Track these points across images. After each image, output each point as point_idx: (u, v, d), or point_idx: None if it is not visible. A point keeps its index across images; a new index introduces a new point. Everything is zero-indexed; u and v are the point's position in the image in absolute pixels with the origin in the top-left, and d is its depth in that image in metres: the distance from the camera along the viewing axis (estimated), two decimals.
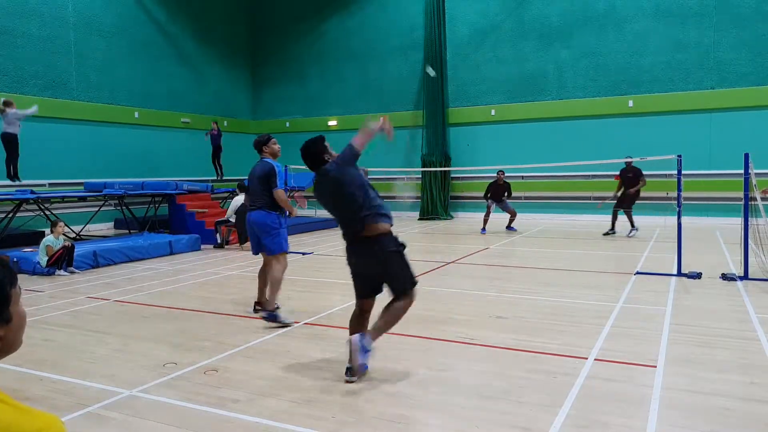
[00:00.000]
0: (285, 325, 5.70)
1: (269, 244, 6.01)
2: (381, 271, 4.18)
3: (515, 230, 14.08)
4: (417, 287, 4.28)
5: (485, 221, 14.07)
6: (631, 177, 12.78)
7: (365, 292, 4.31)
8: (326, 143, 4.37)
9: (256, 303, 6.39)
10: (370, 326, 4.26)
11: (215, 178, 17.44)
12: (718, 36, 15.28)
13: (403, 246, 4.22)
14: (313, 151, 4.28)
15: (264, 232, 5.99)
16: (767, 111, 14.87)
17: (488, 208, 14.09)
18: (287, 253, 6.13)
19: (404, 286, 4.18)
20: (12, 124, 11.59)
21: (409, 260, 4.27)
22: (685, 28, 15.62)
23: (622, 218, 13.10)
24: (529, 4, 17.41)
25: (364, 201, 4.10)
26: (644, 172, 12.69)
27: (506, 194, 14.10)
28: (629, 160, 12.59)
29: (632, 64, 16.22)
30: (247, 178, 6.57)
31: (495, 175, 14.05)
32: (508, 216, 14.25)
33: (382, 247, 4.10)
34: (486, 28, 18.05)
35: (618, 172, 13.28)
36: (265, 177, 5.96)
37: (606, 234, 13.01)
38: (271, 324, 5.71)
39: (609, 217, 13.26)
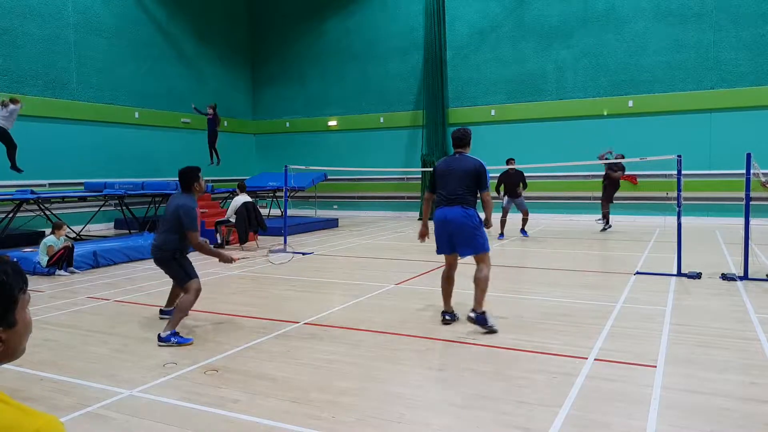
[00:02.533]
0: (492, 331, 5.33)
1: (477, 243, 5.57)
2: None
3: (528, 235, 12.95)
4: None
5: (503, 224, 12.83)
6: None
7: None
8: (200, 174, 5.71)
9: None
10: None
11: (210, 163, 16.58)
12: (718, 36, 15.28)
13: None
14: (189, 177, 5.66)
15: (467, 230, 5.53)
16: (767, 111, 14.88)
17: (504, 210, 12.91)
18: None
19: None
20: (7, 119, 11.45)
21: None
22: (685, 28, 15.62)
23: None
24: (529, 4, 17.41)
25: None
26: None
27: (522, 186, 12.80)
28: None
29: (632, 64, 16.23)
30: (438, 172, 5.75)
31: (506, 166, 12.74)
32: (520, 216, 13.05)
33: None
34: (486, 28, 18.06)
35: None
36: (470, 173, 5.54)
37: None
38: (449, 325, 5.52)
39: (612, 217, 13.31)
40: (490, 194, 5.74)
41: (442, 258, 5.94)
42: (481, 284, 5.48)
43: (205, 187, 5.91)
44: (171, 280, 5.85)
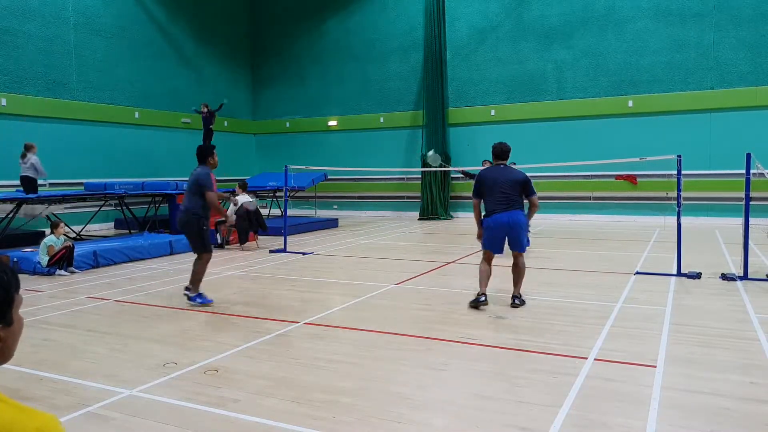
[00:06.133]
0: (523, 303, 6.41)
1: (524, 241, 6.43)
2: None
3: None
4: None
5: None
6: None
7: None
8: (214, 151, 6.90)
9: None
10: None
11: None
12: (718, 36, 15.28)
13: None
14: (204, 152, 6.84)
15: (522, 230, 6.34)
16: (767, 111, 14.88)
17: None
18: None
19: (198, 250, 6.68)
20: (29, 168, 11.58)
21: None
22: (685, 28, 15.63)
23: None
24: (529, 4, 17.41)
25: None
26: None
27: None
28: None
29: (632, 64, 16.23)
30: (483, 180, 6.39)
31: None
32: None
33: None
34: (486, 28, 18.06)
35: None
36: (520, 182, 6.28)
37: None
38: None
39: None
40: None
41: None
42: (522, 272, 6.44)
43: (217, 163, 6.94)
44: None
